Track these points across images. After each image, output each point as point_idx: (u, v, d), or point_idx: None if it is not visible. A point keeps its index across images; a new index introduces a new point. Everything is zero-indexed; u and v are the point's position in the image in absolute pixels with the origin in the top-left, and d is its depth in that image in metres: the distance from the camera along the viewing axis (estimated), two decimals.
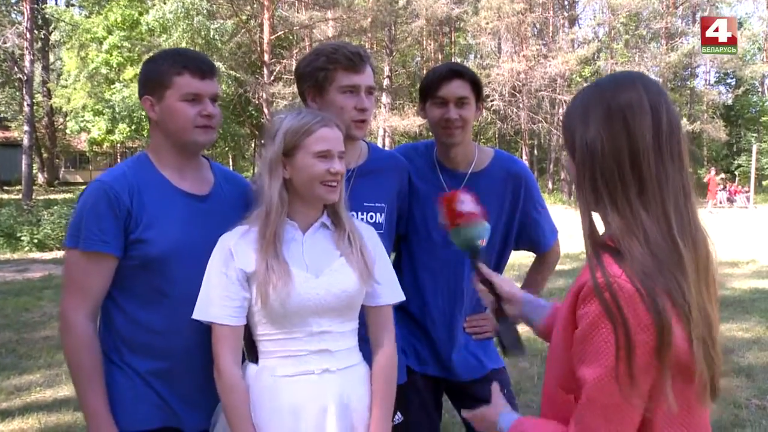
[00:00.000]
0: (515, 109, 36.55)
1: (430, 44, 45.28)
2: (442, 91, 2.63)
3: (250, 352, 2.17)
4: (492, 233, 2.75)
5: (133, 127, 26.31)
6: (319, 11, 31.93)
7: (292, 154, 2.05)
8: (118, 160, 40.69)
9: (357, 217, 2.47)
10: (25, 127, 25.46)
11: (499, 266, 2.81)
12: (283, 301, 1.96)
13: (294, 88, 22.83)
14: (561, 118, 1.61)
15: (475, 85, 2.65)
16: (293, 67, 33.40)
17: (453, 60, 43.50)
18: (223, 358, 1.98)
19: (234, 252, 2.02)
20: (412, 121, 31.97)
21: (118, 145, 33.09)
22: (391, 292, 2.20)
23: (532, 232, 2.83)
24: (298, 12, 32.96)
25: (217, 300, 1.99)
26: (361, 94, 2.43)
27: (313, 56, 2.46)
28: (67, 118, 33.00)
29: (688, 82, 46.10)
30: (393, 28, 37.11)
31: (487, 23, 36.51)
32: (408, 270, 2.76)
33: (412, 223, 2.75)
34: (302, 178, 2.05)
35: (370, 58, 2.51)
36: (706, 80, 47.91)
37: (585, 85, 1.54)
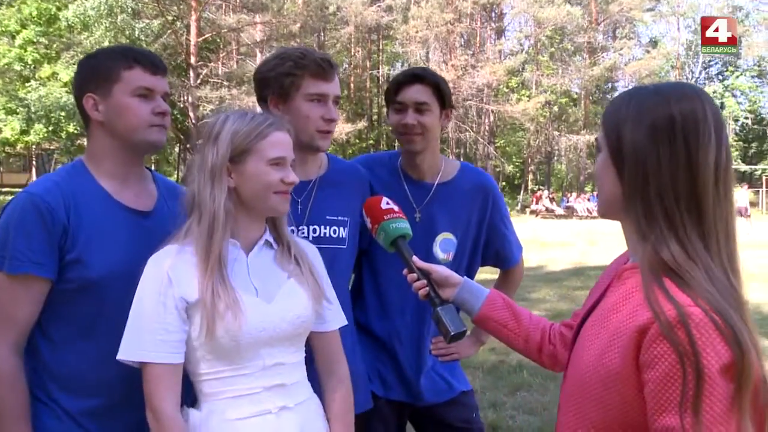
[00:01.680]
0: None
1: (359, 51, 45.30)
2: (400, 95, 2.51)
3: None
4: (459, 247, 2.65)
5: (50, 128, 25.26)
6: (247, 15, 31.56)
7: (241, 160, 1.81)
8: (34, 162, 39.10)
9: (319, 232, 2.31)
10: None
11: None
12: (234, 333, 1.71)
13: (221, 92, 22.54)
14: (604, 113, 1.48)
15: (438, 90, 2.51)
16: (219, 71, 33.15)
17: (380, 68, 43.83)
18: (162, 400, 1.69)
19: (172, 277, 1.74)
20: (340, 128, 31.84)
21: (34, 146, 31.75)
22: (339, 315, 2.02)
23: (499, 247, 2.71)
24: (225, 15, 32.48)
25: (152, 335, 1.71)
26: (328, 104, 2.29)
27: (277, 60, 2.29)
28: None
29: (609, 96, 47.69)
30: (322, 34, 37.03)
31: (417, 32, 36.82)
32: (372, 288, 2.60)
33: None
34: (253, 188, 1.81)
35: (337, 67, 2.38)
36: None
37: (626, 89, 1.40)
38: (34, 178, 32.88)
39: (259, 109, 2.25)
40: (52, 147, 31.84)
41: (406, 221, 1.97)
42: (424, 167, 2.60)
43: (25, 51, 26.15)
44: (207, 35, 30.92)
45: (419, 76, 2.51)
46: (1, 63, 26.53)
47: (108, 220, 1.97)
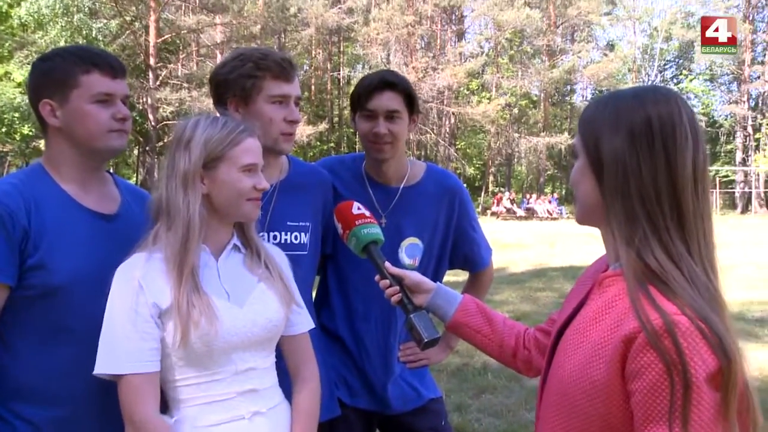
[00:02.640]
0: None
1: (319, 53, 45.16)
2: (371, 103, 2.45)
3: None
4: (427, 250, 2.62)
5: (3, 130, 24.62)
6: (207, 16, 31.17)
7: (213, 167, 1.80)
8: None
9: (279, 238, 2.28)
10: None
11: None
12: (208, 338, 1.70)
13: (181, 94, 22.18)
14: (580, 118, 1.46)
15: (409, 97, 2.49)
16: (179, 72, 32.71)
17: (341, 70, 43.73)
18: (142, 408, 1.67)
19: (143, 284, 1.72)
20: (301, 130, 31.69)
21: None
22: (307, 318, 2.02)
23: (468, 250, 2.69)
24: (185, 15, 32.06)
25: (127, 344, 1.68)
26: (291, 105, 2.25)
27: (237, 62, 2.24)
28: None
29: (568, 98, 48.38)
30: (283, 35, 36.76)
31: (378, 34, 36.88)
32: (338, 294, 2.56)
33: (340, 241, 2.53)
34: (226, 194, 1.81)
35: (297, 67, 2.35)
36: (583, 96, 50.44)
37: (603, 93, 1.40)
38: None
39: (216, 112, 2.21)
40: (5, 149, 31.03)
41: (378, 227, 1.94)
42: (390, 172, 2.57)
43: None
44: (166, 36, 30.51)
45: (391, 82, 2.46)
46: None
47: (71, 224, 1.91)
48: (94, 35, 24.52)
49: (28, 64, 23.46)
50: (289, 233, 2.33)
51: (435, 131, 38.59)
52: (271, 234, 2.29)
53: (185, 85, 30.03)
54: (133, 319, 1.69)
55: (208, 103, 29.03)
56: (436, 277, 2.63)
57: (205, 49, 36.22)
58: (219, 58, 33.61)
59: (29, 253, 1.82)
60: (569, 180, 1.48)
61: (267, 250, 1.96)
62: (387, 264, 1.88)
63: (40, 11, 23.56)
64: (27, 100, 2.23)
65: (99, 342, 1.70)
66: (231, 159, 1.80)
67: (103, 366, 1.68)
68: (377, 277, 1.89)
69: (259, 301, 1.83)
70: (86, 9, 24.50)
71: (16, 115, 24.44)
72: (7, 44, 25.16)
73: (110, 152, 2.01)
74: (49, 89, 1.95)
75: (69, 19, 23.77)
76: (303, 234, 2.35)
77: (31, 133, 24.92)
